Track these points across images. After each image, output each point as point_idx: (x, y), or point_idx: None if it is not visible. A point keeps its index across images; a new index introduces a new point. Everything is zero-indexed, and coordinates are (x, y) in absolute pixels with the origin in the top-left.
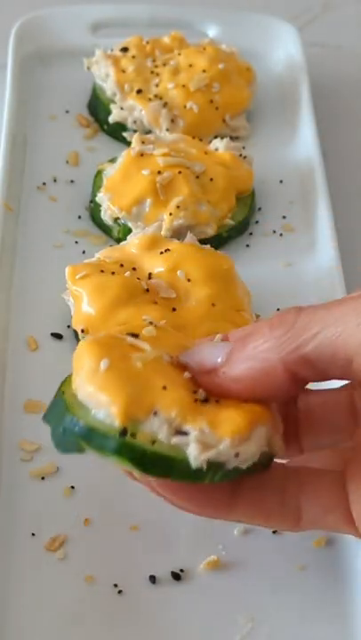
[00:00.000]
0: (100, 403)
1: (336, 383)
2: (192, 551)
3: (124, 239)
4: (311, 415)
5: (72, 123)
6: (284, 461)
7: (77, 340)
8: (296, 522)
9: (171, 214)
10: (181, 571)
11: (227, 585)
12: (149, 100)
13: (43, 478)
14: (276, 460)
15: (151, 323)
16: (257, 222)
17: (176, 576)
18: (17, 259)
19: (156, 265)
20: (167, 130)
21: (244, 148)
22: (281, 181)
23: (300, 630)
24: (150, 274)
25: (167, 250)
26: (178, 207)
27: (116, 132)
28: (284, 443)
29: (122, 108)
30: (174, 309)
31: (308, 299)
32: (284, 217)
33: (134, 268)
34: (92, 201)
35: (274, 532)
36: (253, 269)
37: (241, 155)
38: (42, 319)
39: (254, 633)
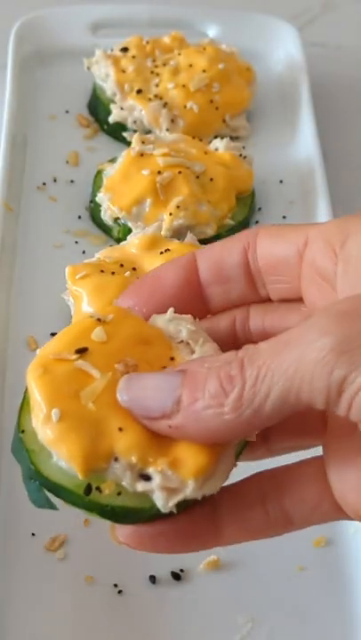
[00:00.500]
0: (60, 452)
1: None
2: None
3: (124, 239)
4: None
5: (72, 123)
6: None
7: None
8: (286, 526)
9: (171, 214)
10: (181, 571)
11: (227, 585)
12: (149, 100)
13: None
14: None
15: (99, 319)
16: (257, 222)
17: (176, 576)
18: (17, 259)
19: (157, 265)
20: (167, 130)
21: (244, 147)
22: (281, 181)
23: (300, 630)
24: None
25: (167, 250)
26: (178, 207)
27: (116, 132)
28: (252, 447)
29: (122, 108)
30: None
31: None
32: (284, 217)
33: (134, 268)
34: (92, 201)
35: None
36: None
37: (241, 155)
38: (42, 319)
39: (254, 633)
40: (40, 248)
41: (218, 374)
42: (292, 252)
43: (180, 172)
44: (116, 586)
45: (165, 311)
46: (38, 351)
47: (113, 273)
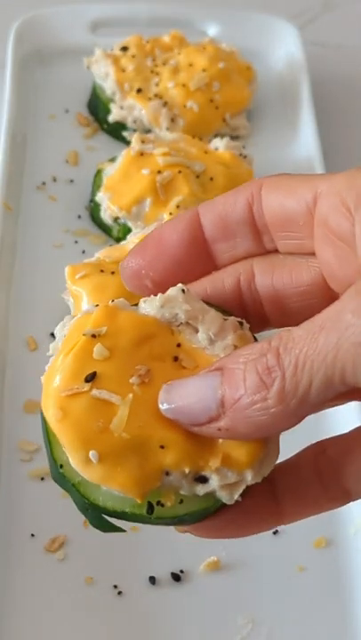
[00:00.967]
0: (111, 487)
1: None
2: (192, 552)
3: (124, 239)
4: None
5: (72, 122)
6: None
7: None
8: (346, 497)
9: (171, 214)
10: (181, 572)
11: (227, 586)
12: (149, 99)
13: (42, 479)
14: None
15: (94, 335)
16: None
17: (176, 577)
18: (17, 258)
19: None
20: (167, 129)
21: (244, 147)
22: None
23: (299, 631)
24: None
25: None
26: (178, 207)
27: (116, 132)
28: None
29: (122, 108)
30: None
31: None
32: None
33: None
34: (92, 200)
35: (274, 532)
36: None
37: (241, 154)
38: (41, 319)
39: (254, 633)
40: (40, 248)
41: (255, 368)
42: (301, 209)
43: (179, 172)
44: (115, 587)
45: (172, 272)
46: (46, 389)
47: (113, 273)
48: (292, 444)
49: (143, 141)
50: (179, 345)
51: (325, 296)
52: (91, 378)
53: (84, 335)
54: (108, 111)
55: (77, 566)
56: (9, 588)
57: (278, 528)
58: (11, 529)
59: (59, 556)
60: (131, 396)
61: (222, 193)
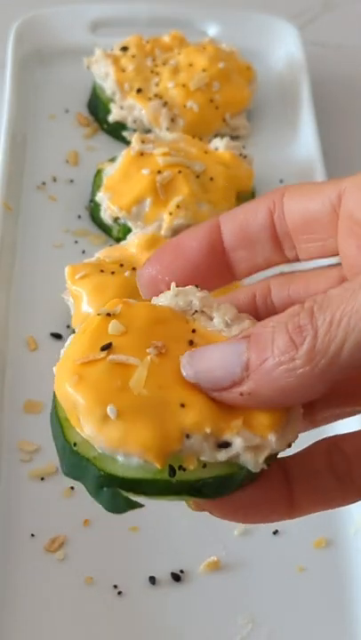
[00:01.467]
0: (128, 451)
1: None
2: (192, 552)
3: (124, 239)
4: None
5: (72, 122)
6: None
7: None
8: (358, 493)
9: (171, 214)
10: (181, 572)
11: (227, 586)
12: (149, 99)
13: (42, 479)
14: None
15: (109, 314)
16: None
17: (176, 577)
18: (17, 258)
19: None
20: (167, 129)
21: (244, 147)
22: (281, 181)
23: (299, 631)
24: None
25: None
26: (178, 207)
27: (116, 132)
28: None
29: (122, 108)
30: None
31: None
32: None
33: (134, 268)
34: (92, 200)
35: (274, 532)
36: None
37: (241, 154)
38: (41, 319)
39: (254, 634)
40: (40, 248)
41: (285, 328)
42: (325, 207)
43: (179, 172)
44: (115, 587)
45: (189, 278)
46: (59, 367)
47: (113, 273)
48: (305, 441)
49: (143, 141)
50: (194, 331)
51: None
52: (107, 347)
53: (98, 314)
54: (108, 111)
55: (77, 566)
56: (9, 588)
57: (278, 528)
58: (11, 529)
59: (59, 556)
60: (149, 358)
61: (222, 193)
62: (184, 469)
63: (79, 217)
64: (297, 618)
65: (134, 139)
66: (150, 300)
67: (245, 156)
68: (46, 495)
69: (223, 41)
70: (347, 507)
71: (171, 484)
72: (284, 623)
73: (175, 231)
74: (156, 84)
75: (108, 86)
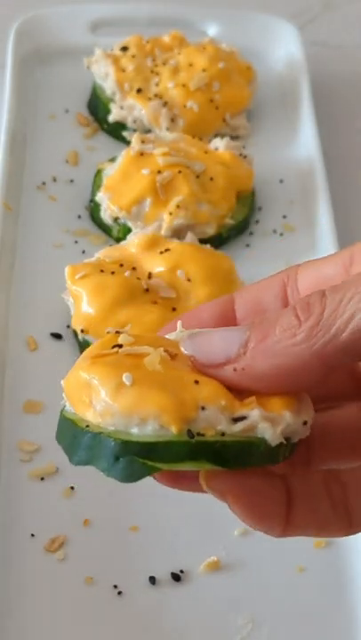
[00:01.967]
0: (143, 418)
1: None
2: (192, 552)
3: (124, 239)
4: (326, 434)
5: (72, 122)
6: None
7: (77, 339)
8: (348, 525)
9: (171, 214)
10: (181, 572)
11: (227, 586)
12: (149, 99)
13: (42, 479)
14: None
15: (118, 332)
16: (257, 222)
17: (176, 577)
18: (17, 258)
19: (156, 265)
20: (167, 129)
21: (244, 147)
22: (281, 181)
23: (299, 631)
24: (150, 274)
25: (167, 250)
26: (178, 207)
27: (116, 132)
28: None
29: (122, 108)
30: (174, 309)
31: None
32: (284, 216)
33: (134, 268)
34: (92, 200)
35: None
36: (253, 269)
37: (241, 154)
38: (41, 319)
39: (254, 634)
40: (40, 248)
41: (293, 308)
42: (337, 270)
43: (179, 172)
44: (115, 587)
45: None
46: (65, 379)
47: (113, 273)
48: None
49: (143, 141)
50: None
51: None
52: (118, 347)
53: (107, 333)
54: (108, 111)
55: (77, 566)
56: (9, 588)
57: None
58: (11, 529)
59: (59, 556)
60: (161, 349)
61: (222, 193)
62: (202, 435)
63: (79, 217)
64: (297, 618)
65: (134, 139)
66: None
67: (245, 156)
68: (46, 495)
69: (223, 41)
70: None
71: (190, 445)
72: (284, 623)
73: (175, 231)
74: (156, 84)
75: (108, 86)
